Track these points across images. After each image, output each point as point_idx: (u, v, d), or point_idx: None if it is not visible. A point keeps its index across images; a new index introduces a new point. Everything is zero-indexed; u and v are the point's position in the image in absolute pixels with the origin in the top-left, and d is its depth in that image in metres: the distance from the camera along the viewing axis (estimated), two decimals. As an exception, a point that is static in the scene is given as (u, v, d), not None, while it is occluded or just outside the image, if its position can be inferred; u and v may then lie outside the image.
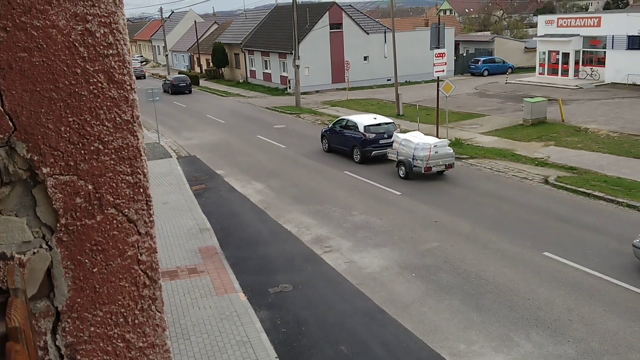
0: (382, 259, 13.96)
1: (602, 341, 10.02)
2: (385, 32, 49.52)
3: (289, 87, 47.29)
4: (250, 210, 18.37)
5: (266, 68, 53.58)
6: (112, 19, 1.15)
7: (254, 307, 11.66)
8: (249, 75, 57.28)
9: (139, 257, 1.26)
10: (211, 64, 62.48)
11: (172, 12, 79.87)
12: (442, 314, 11.25)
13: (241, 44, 56.55)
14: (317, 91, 46.65)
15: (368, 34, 49.89)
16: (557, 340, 10.14)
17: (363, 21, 50.98)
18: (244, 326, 10.81)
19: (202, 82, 58.72)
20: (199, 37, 64.84)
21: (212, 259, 14.20)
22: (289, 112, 37.33)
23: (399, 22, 53.34)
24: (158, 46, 79.36)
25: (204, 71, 64.14)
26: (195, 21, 68.13)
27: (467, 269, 13.14)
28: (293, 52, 38.53)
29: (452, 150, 20.82)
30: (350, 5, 52.12)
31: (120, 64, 1.17)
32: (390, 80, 43.83)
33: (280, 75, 50.60)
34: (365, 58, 49.70)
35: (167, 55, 70.45)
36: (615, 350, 9.75)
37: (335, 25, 48.56)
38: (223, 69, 61.80)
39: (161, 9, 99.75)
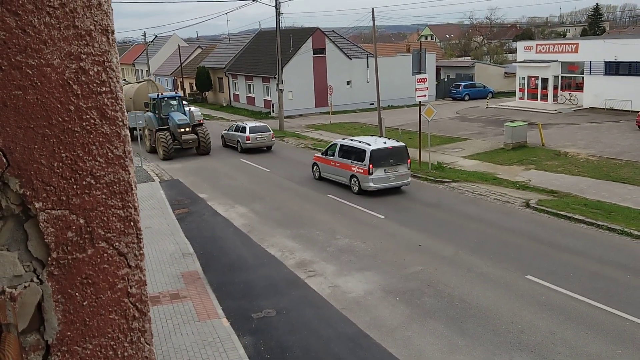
0: (366, 283, 13.94)
1: (585, 364, 10.07)
2: (367, 57, 50.16)
3: (273, 111, 47.51)
4: (234, 234, 18.28)
5: (250, 92, 53.81)
6: (105, 58, 1.18)
7: (237, 333, 11.54)
8: (232, 99, 57.45)
9: (129, 290, 1.27)
10: (195, 88, 62.59)
11: (156, 36, 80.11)
12: (426, 339, 11.24)
13: (225, 68, 56.82)
14: (301, 115, 46.91)
15: (351, 59, 50.47)
16: (541, 364, 10.17)
17: (346, 46, 51.60)
18: (227, 352, 10.69)
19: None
20: (182, 61, 65.03)
21: (195, 284, 14.07)
22: (272, 135, 37.39)
23: (381, 48, 54.08)
24: (141, 70, 79.37)
25: (187, 95, 64.20)
26: (179, 45, 68.38)
27: (450, 292, 13.17)
28: (277, 76, 38.80)
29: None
30: (333, 31, 52.76)
31: (113, 100, 1.20)
32: (372, 104, 44.24)
33: (264, 99, 50.84)
34: (348, 82, 50.21)
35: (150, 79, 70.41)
36: (598, 373, 9.80)
37: (319, 50, 49.08)
38: (206, 92, 61.95)
39: (145, 33, 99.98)
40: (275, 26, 36.81)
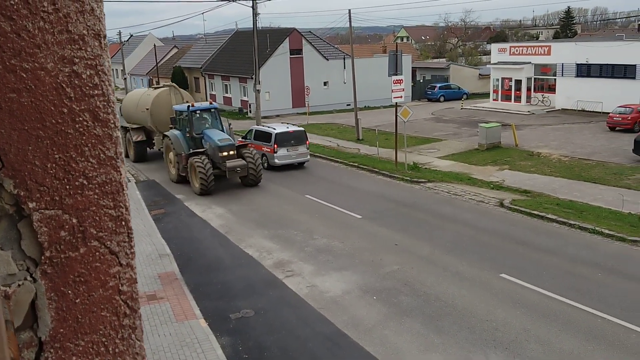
0: (344, 282, 14.02)
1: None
2: (344, 58, 50.33)
3: (250, 111, 47.41)
4: (211, 235, 18.22)
5: (227, 92, 53.62)
6: (97, 62, 1.21)
7: (215, 334, 11.52)
8: (209, 99, 57.08)
9: (120, 288, 1.31)
10: (170, 88, 62.05)
11: (131, 35, 79.26)
12: (403, 337, 11.35)
13: (201, 68, 56.50)
14: (278, 115, 46.86)
15: (328, 59, 50.60)
16: (515, 361, 10.35)
17: (323, 47, 51.72)
18: (205, 353, 10.66)
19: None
20: (158, 61, 64.45)
21: (172, 284, 14.00)
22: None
23: (357, 49, 54.29)
24: (116, 69, 78.51)
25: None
26: (154, 45, 67.73)
27: (426, 291, 13.32)
28: (254, 76, 38.72)
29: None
30: (310, 32, 52.84)
31: (105, 103, 1.23)
32: (349, 105, 44.45)
33: (241, 99, 50.71)
34: (325, 83, 50.34)
35: (125, 78, 69.67)
36: (571, 369, 10.01)
37: (296, 51, 49.11)
38: (182, 92, 61.40)
39: (120, 32, 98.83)
40: (252, 26, 36.73)
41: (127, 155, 30.45)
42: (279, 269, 15.09)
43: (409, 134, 30.92)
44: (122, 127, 29.36)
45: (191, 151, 23.11)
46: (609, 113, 34.54)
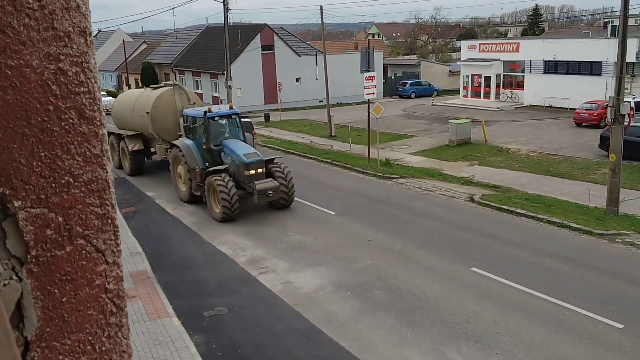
0: (318, 278, 14.07)
1: (528, 352, 10.49)
2: (316, 55, 50.33)
3: (221, 108, 47.05)
4: (183, 232, 18.08)
5: (197, 88, 53.12)
6: (83, 59, 1.21)
7: (188, 332, 11.45)
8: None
9: (107, 286, 1.30)
10: (140, 84, 61.28)
11: (99, 30, 77.86)
12: (376, 331, 11.45)
13: (171, 63, 55.89)
14: (250, 112, 46.64)
15: (300, 56, 50.52)
16: (486, 353, 10.53)
17: (294, 43, 51.61)
18: (179, 351, 10.59)
19: None
20: (127, 57, 63.51)
21: (144, 283, 13.85)
22: (221, 132, 37.07)
23: (329, 45, 54.31)
24: (83, 65, 76.97)
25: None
26: (123, 40, 66.71)
27: (399, 285, 13.44)
28: (225, 72, 38.45)
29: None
30: (281, 28, 52.66)
31: (91, 100, 1.23)
32: (322, 101, 44.46)
33: (212, 96, 50.32)
34: (297, 80, 50.27)
35: (93, 74, 68.39)
36: (540, 360, 10.23)
37: (267, 47, 48.93)
38: (152, 88, 60.71)
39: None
40: (223, 22, 36.46)
41: (119, 167, 26.79)
42: (253, 266, 15.05)
43: (381, 131, 31.09)
44: (114, 134, 26.52)
45: (207, 166, 19.38)
46: (575, 109, 35.25)
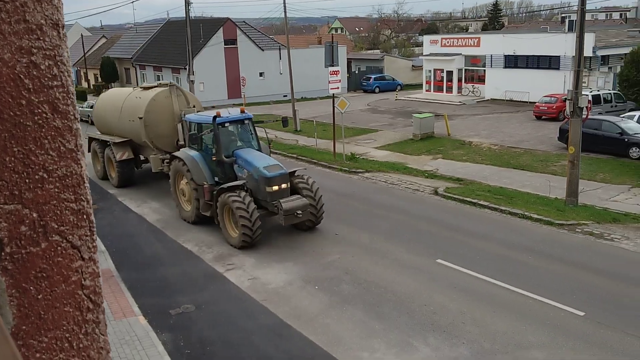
0: (286, 273, 14.07)
1: (493, 341, 10.72)
2: (279, 49, 50.15)
3: (184, 103, 46.47)
4: (147, 230, 17.84)
5: (159, 83, 52.26)
6: (56, 52, 1.19)
7: (155, 330, 11.33)
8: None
9: (83, 282, 1.29)
10: (100, 79, 60.06)
11: (56, 24, 75.88)
12: (345, 325, 11.53)
13: (132, 58, 54.93)
14: (213, 106, 46.02)
15: (263, 50, 50.28)
16: (453, 343, 10.72)
17: (258, 37, 51.33)
18: (146, 350, 10.47)
19: (89, 98, 56.25)
20: (86, 52, 62.14)
21: (108, 282, 13.63)
22: (184, 128, 36.65)
23: (293, 39, 54.17)
24: (40, 60, 75.14)
25: (92, 86, 61.49)
26: (81, 35, 65.24)
27: (367, 279, 13.55)
28: (187, 67, 37.99)
29: None
30: (244, 22, 52.28)
31: (65, 94, 1.21)
32: (286, 96, 44.37)
33: (174, 91, 49.62)
34: (261, 74, 50.04)
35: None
36: (505, 349, 10.47)
37: (230, 41, 48.53)
38: (113, 84, 59.64)
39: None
40: (184, 16, 35.99)
41: (103, 177, 23.53)
42: (220, 263, 14.96)
43: (346, 125, 31.23)
44: (98, 140, 23.65)
45: (217, 181, 16.85)
46: (535, 102, 36.02)
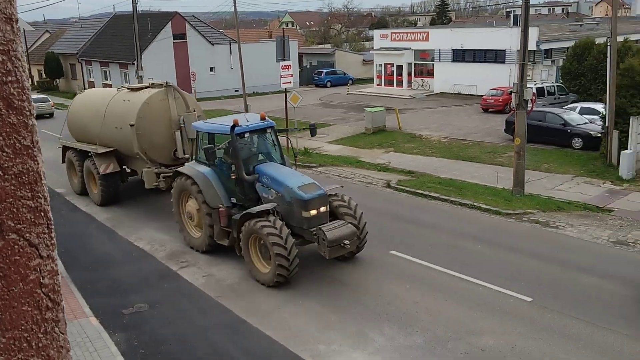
0: (241, 269, 14.00)
1: (446, 329, 10.98)
2: (230, 43, 49.67)
3: (132, 99, 45.50)
4: (97, 229, 17.43)
5: (106, 79, 51.10)
6: (10, 47, 1.16)
7: (107, 331, 11.10)
8: (87, 87, 54.12)
9: (41, 281, 1.27)
10: (44, 75, 58.10)
11: (-5, 18, 72.86)
12: (301, 318, 11.58)
13: (77, 53, 53.35)
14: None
15: (213, 45, 49.69)
16: (407, 332, 10.92)
17: (207, 32, 50.68)
18: (98, 351, 10.26)
19: (33, 95, 54.44)
20: (28, 47, 59.95)
21: (58, 283, 13.25)
22: (133, 124, 35.88)
23: (243, 34, 53.69)
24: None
25: (35, 83, 59.43)
26: (24, 29, 62.77)
27: (322, 272, 13.63)
28: (135, 62, 37.18)
29: None
30: (193, 16, 51.51)
31: (20, 90, 1.19)
32: (237, 91, 43.99)
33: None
34: (211, 69, 49.47)
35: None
36: (457, 335, 10.74)
37: (179, 36, 47.76)
38: (58, 80, 57.81)
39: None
40: (131, 10, 35.21)
41: (82, 193, 20.40)
42: (173, 260, 14.77)
43: (299, 120, 31.19)
44: (74, 150, 20.42)
45: (233, 202, 14.27)
46: (482, 96, 36.90)
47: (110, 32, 53.03)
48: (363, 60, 62.52)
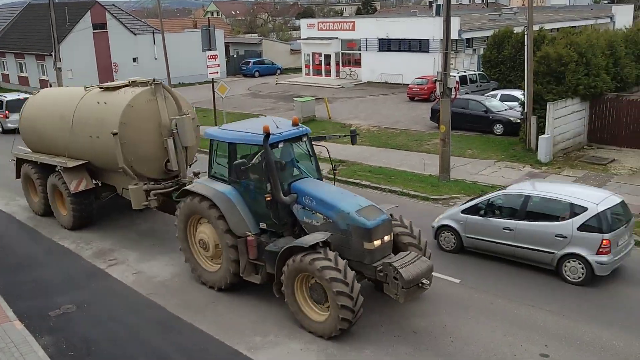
0: (172, 265, 13.75)
1: (380, 313, 11.19)
2: (153, 33, 48.38)
3: (51, 92, 43.52)
4: (19, 229, 16.65)
5: (22, 71, 48.65)
6: None
7: (33, 335, 10.65)
8: (1, 79, 51.34)
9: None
10: (-49, 68, 54.49)
11: None
12: (236, 311, 11.52)
13: (-12, 44, 50.39)
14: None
15: (135, 34, 48.24)
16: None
17: (129, 22, 49.12)
18: (25, 356, 9.83)
19: None
20: None
21: (-24, 288, 12.58)
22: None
23: (167, 23, 52.42)
24: None
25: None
26: None
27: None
28: (53, 53, 35.52)
29: None
30: (113, 5, 49.72)
31: None
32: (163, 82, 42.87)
33: (40, 79, 46.34)
34: (134, 59, 48.04)
35: None
36: (390, 320, 10.98)
37: (99, 26, 46.07)
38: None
39: None
40: (46, -2, 33.60)
41: (45, 214, 17.18)
42: (101, 259, 14.32)
43: (228, 110, 30.85)
44: (32, 162, 17.21)
45: (262, 229, 11.60)
46: (408, 84, 37.69)
47: (24, 22, 50.42)
48: (291, 49, 62.42)
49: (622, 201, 12.65)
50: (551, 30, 37.16)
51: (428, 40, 41.68)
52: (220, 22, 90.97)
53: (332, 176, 13.48)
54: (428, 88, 35.35)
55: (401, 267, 10.03)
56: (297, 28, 70.02)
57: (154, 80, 14.80)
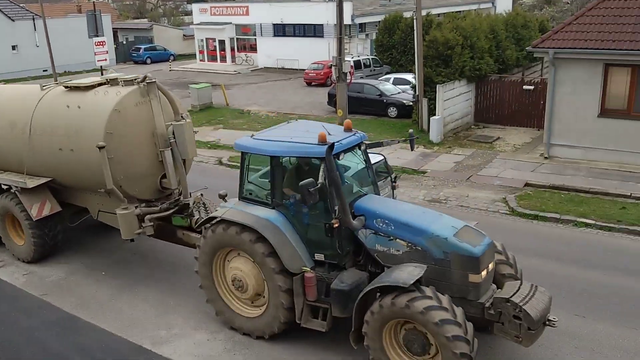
0: (67, 263, 13.11)
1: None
2: (34, 19, 45.35)
3: None
4: None
5: None
6: None
7: None
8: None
9: None
10: None
11: None
12: (138, 306, 11.21)
13: None
14: None
15: (14, 20, 45.06)
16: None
17: (6, 7, 45.76)
18: None
19: None
20: None
21: None
22: None
23: (48, 8, 49.24)
24: None
25: None
26: None
27: (157, 256, 13.27)
28: None
29: None
30: (-15, -12, 46.02)
31: None
32: (46, 70, 40.46)
33: None
34: (13, 47, 44.95)
35: None
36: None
37: (-30, 10, 42.42)
38: None
39: None
40: None
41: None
42: (-14, 261, 13.37)
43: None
44: None
45: (316, 260, 9.20)
46: (305, 70, 37.96)
47: None
48: (184, 35, 60.84)
49: None
50: (438, 15, 38.71)
51: (322, 25, 42.13)
52: (106, 6, 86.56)
53: (392, 189, 11.81)
54: (324, 73, 35.80)
55: (524, 304, 7.96)
56: (189, 13, 68.16)
57: (144, 78, 11.67)
